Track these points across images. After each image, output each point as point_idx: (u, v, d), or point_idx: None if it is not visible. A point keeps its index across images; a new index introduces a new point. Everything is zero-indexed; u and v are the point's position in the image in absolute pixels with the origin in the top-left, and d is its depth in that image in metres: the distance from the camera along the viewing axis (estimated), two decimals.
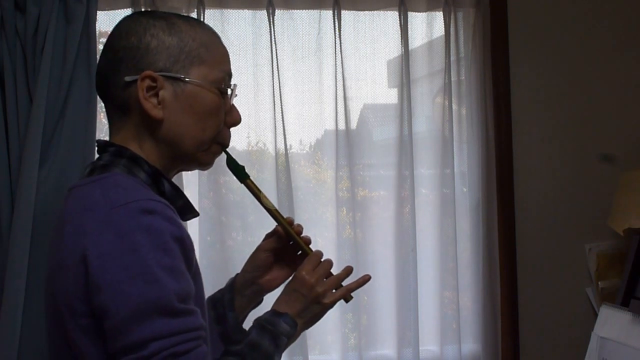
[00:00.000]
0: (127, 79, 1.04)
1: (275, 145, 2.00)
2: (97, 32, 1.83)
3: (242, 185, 1.24)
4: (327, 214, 2.09)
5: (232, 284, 1.28)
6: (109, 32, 1.10)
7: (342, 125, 2.05)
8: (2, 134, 1.76)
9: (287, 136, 2.01)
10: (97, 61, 1.11)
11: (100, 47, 1.95)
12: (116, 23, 1.10)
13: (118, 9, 1.94)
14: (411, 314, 2.07)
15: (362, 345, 2.07)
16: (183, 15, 1.13)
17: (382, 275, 2.08)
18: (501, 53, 2.16)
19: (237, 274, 1.30)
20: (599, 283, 2.18)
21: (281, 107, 1.99)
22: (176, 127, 1.06)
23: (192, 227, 1.88)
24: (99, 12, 1.84)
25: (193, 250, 0.99)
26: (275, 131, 2.00)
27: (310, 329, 1.25)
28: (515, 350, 2.16)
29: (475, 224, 2.15)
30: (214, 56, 1.10)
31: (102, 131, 1.96)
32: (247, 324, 1.24)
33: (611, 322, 1.95)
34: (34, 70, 1.74)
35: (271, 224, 1.29)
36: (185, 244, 0.96)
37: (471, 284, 2.16)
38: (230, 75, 1.13)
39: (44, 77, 1.72)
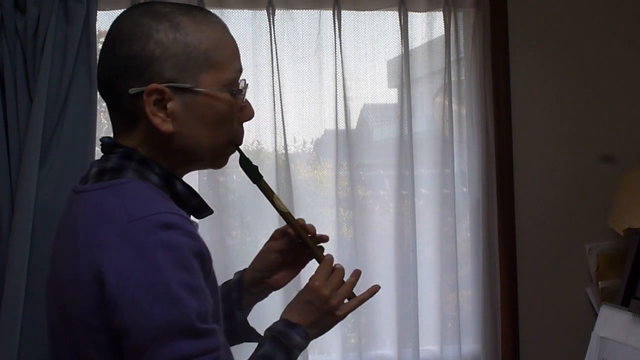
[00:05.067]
0: (132, 91, 0.95)
1: (275, 145, 2.00)
2: (97, 32, 1.83)
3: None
4: (326, 213, 2.09)
5: (240, 282, 1.27)
6: (107, 32, 1.01)
7: (342, 125, 2.05)
8: (2, 134, 1.76)
9: (287, 136, 2.00)
10: (97, 64, 1.03)
11: (100, 46, 1.95)
12: (113, 21, 1.01)
13: (118, 9, 1.94)
14: (411, 314, 2.07)
15: (362, 345, 2.07)
16: (187, 9, 1.01)
17: (382, 275, 2.08)
18: (501, 53, 2.16)
19: (244, 271, 1.28)
20: (599, 283, 2.17)
21: (281, 107, 1.99)
22: (188, 138, 0.99)
23: None
24: (99, 12, 1.85)
25: (211, 260, 0.96)
26: (275, 131, 2.00)
27: None
28: (515, 350, 2.16)
29: (475, 224, 2.15)
30: (224, 56, 1.00)
31: (102, 131, 1.96)
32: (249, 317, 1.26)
33: (611, 322, 1.94)
34: (34, 70, 1.74)
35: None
36: (204, 257, 0.93)
37: (471, 283, 2.16)
38: (241, 70, 1.05)
39: (44, 77, 1.72)
